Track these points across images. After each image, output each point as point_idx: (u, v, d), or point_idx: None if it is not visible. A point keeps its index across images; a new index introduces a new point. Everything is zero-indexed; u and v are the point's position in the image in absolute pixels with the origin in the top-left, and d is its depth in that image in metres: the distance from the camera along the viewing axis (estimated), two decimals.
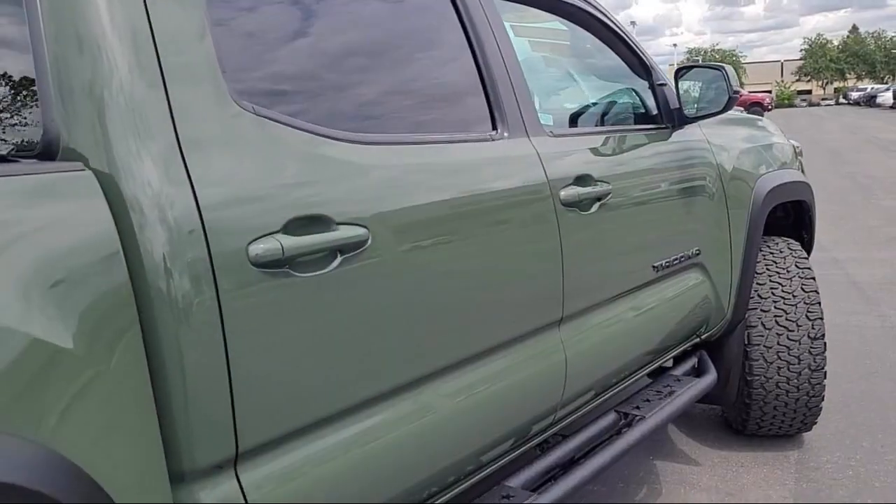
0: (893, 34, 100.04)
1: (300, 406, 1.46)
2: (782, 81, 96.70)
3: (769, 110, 48.42)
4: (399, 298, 1.64)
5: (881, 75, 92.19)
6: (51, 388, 1.08)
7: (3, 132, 1.36)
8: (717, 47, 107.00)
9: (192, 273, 1.28)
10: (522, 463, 2.23)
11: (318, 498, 1.47)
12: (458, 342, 1.80)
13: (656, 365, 2.86)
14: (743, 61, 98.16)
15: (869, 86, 74.16)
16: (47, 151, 1.27)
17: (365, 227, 1.53)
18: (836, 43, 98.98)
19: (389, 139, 1.73)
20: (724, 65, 2.78)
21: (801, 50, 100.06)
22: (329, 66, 1.76)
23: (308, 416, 1.47)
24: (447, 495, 1.86)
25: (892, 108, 48.97)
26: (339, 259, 1.49)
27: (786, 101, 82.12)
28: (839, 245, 7.76)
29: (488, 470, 2.01)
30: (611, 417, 2.55)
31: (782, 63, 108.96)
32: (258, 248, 1.36)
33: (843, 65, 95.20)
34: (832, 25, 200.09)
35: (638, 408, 2.59)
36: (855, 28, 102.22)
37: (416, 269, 1.68)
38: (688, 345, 3.01)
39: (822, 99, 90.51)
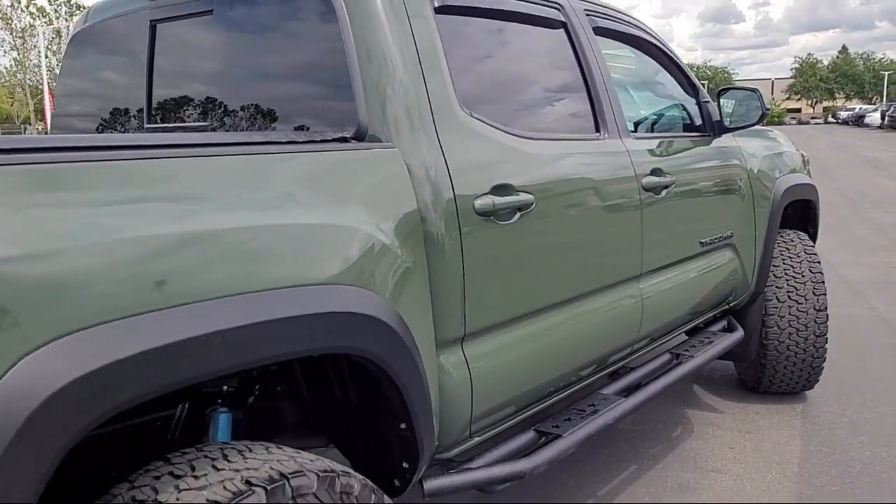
0: (882, 56, 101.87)
1: (498, 308, 2.20)
2: (773, 99, 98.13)
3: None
4: (551, 245, 2.38)
5: (869, 96, 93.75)
6: (389, 271, 1.81)
7: (330, 123, 2.08)
8: (709, 63, 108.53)
9: (446, 214, 2.01)
10: (601, 384, 2.97)
11: (506, 369, 2.22)
12: (585, 279, 2.56)
13: (696, 323, 3.61)
14: (734, 78, 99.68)
15: (857, 106, 75.56)
16: (359, 136, 2.00)
17: (532, 194, 2.27)
18: (825, 63, 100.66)
19: (542, 136, 2.47)
20: (756, 88, 3.54)
21: (792, 69, 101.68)
22: (509, 87, 2.51)
23: (503, 315, 2.21)
24: (570, 390, 2.61)
25: (879, 127, 50.14)
26: (518, 215, 2.22)
27: (776, 119, 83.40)
28: (832, 251, 8.53)
29: (592, 379, 2.75)
30: (665, 357, 3.29)
31: (773, 81, 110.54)
32: (479, 202, 2.09)
33: (832, 84, 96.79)
34: (821, 45, 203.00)
35: (687, 350, 3.35)
36: (845, 48, 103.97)
37: (559, 226, 2.42)
38: (720, 310, 3.76)
39: (812, 117, 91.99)
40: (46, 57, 61.70)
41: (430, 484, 2.12)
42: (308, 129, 2.11)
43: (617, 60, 3.27)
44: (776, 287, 4.00)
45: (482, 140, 2.21)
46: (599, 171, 2.66)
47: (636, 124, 3.46)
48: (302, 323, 1.56)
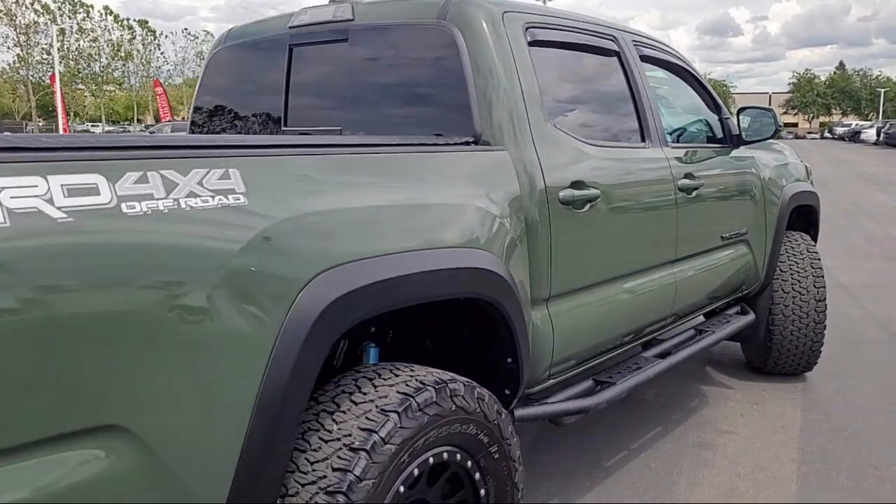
0: (879, 73, 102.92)
1: (573, 277, 2.81)
2: None
3: None
4: (611, 231, 3.00)
5: (865, 112, 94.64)
6: (504, 241, 2.42)
7: (451, 131, 2.69)
8: (708, 76, 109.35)
9: (539, 201, 2.62)
10: (636, 353, 3.58)
11: (577, 326, 2.83)
12: (635, 259, 3.18)
13: (715, 306, 4.22)
14: (732, 92, 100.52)
15: (854, 122, 76.42)
16: (476, 140, 2.61)
17: (598, 189, 2.88)
18: (823, 78, 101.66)
19: (603, 143, 3.09)
20: (771, 108, 4.16)
21: (790, 83, 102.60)
22: (579, 103, 3.14)
23: (576, 283, 2.83)
24: (617, 352, 3.22)
25: (875, 144, 50.98)
26: (588, 205, 2.84)
27: None
28: (828, 257, 9.04)
29: (632, 345, 3.37)
30: (690, 332, 3.91)
31: (770, 95, 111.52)
32: (562, 194, 2.71)
33: (829, 100, 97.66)
34: (818, 60, 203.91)
35: (708, 328, 3.96)
36: (842, 65, 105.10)
37: (617, 216, 3.03)
38: (734, 296, 4.38)
39: (808, 132, 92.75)
40: (49, 55, 62.44)
41: (520, 412, 2.73)
42: (438, 135, 2.72)
43: (657, 81, 3.88)
44: (782, 280, 4.62)
45: (563, 146, 2.82)
46: (646, 174, 3.28)
47: (670, 135, 4.08)
48: (459, 273, 2.19)
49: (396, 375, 2.11)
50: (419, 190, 2.22)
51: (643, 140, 3.40)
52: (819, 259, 4.76)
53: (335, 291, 1.82)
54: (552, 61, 3.02)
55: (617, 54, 3.39)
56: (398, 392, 2.02)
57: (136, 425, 1.52)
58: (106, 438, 1.48)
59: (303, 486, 1.86)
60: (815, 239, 5.08)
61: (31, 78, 62.87)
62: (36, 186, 1.40)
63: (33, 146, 1.49)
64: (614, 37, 3.38)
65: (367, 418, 1.95)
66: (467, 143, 2.58)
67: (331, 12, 3.01)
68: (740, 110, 4.25)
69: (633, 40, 3.54)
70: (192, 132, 3.51)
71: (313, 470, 1.88)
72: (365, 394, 2.03)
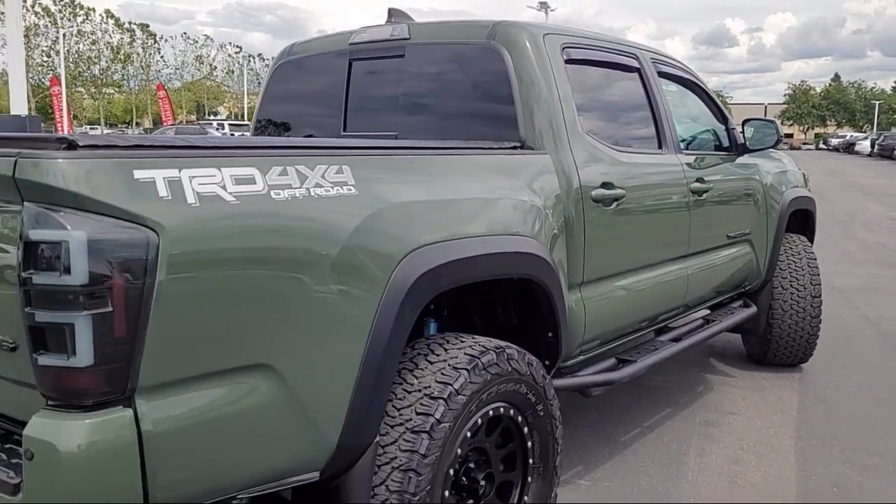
0: (873, 85, 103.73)
1: (603, 266, 3.22)
2: None
3: None
4: (634, 227, 3.41)
5: (860, 124, 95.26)
6: (548, 231, 2.83)
7: (502, 137, 3.09)
8: None
9: (575, 198, 3.03)
10: (649, 337, 3.99)
11: (605, 309, 3.24)
12: (654, 253, 3.59)
13: (720, 300, 4.64)
14: (728, 102, 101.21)
15: (848, 133, 77.04)
16: (521, 145, 3.02)
17: (624, 189, 3.29)
18: (818, 90, 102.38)
19: (627, 149, 3.50)
20: (773, 119, 4.58)
21: (785, 94, 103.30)
22: (606, 113, 3.56)
23: (605, 271, 3.23)
24: (634, 336, 3.63)
25: (869, 155, 51.56)
26: (615, 203, 3.25)
27: None
28: (824, 263, 9.38)
29: (647, 331, 3.78)
30: (698, 321, 4.32)
31: (766, 106, 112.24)
32: (594, 193, 3.12)
33: (824, 111, 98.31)
34: (813, 72, 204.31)
35: (714, 318, 4.38)
36: (837, 77, 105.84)
37: (639, 214, 3.44)
38: (738, 291, 4.80)
39: (803, 143, 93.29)
40: (49, 57, 62.86)
41: (555, 383, 3.12)
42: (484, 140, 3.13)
43: (671, 94, 4.30)
44: (781, 277, 5.04)
45: (594, 151, 3.23)
46: (663, 177, 3.70)
47: (683, 142, 4.50)
48: (513, 256, 2.60)
49: (462, 341, 2.51)
50: (480, 186, 2.62)
51: (660, 147, 3.82)
52: (815, 259, 5.18)
53: (422, 268, 2.22)
54: (585, 76, 3.44)
55: (638, 70, 3.81)
56: (466, 354, 2.43)
57: (280, 366, 1.92)
58: (261, 374, 1.88)
59: (392, 427, 2.27)
60: (811, 241, 5.49)
61: (30, 80, 63.26)
62: (214, 176, 1.80)
63: (206, 145, 1.90)
64: (636, 55, 3.80)
65: (442, 374, 2.35)
66: (515, 148, 2.99)
67: (388, 31, 3.42)
68: (745, 121, 4.66)
69: (652, 58, 3.96)
70: (256, 134, 3.91)
71: (400, 414, 2.28)
72: (438, 355, 2.43)
